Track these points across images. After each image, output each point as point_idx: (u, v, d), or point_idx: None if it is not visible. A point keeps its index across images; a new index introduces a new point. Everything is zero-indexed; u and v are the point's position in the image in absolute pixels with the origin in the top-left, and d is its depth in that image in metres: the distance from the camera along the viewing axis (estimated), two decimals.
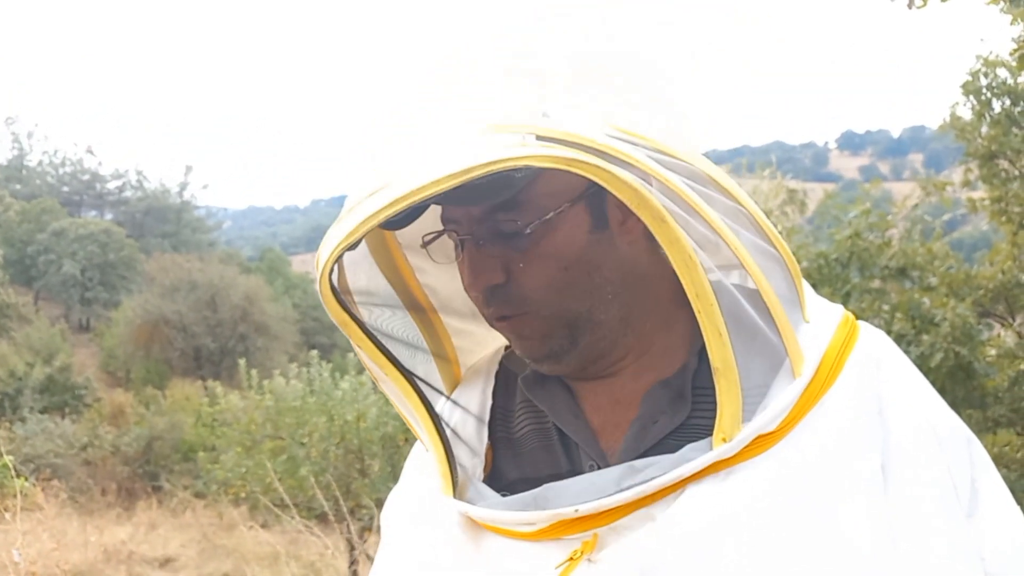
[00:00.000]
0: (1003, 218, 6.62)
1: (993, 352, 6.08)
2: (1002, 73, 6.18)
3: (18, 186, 44.76)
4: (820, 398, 0.78)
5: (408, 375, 0.90)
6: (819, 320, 0.85)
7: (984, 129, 6.54)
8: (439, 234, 0.88)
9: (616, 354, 0.86)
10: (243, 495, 10.15)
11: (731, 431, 0.75)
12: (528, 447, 0.91)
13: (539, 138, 0.74)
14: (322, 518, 7.32)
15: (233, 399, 11.23)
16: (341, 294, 0.87)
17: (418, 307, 1.00)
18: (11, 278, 31.59)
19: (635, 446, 0.83)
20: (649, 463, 0.78)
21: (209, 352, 29.11)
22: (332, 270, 0.82)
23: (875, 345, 0.85)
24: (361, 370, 10.51)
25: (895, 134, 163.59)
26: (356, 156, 0.85)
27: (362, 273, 0.95)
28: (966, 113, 6.72)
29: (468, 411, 0.96)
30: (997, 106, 6.49)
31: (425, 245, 0.90)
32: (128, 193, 47.96)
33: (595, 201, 0.82)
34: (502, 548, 0.83)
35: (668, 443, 0.81)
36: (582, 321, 0.83)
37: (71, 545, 8.98)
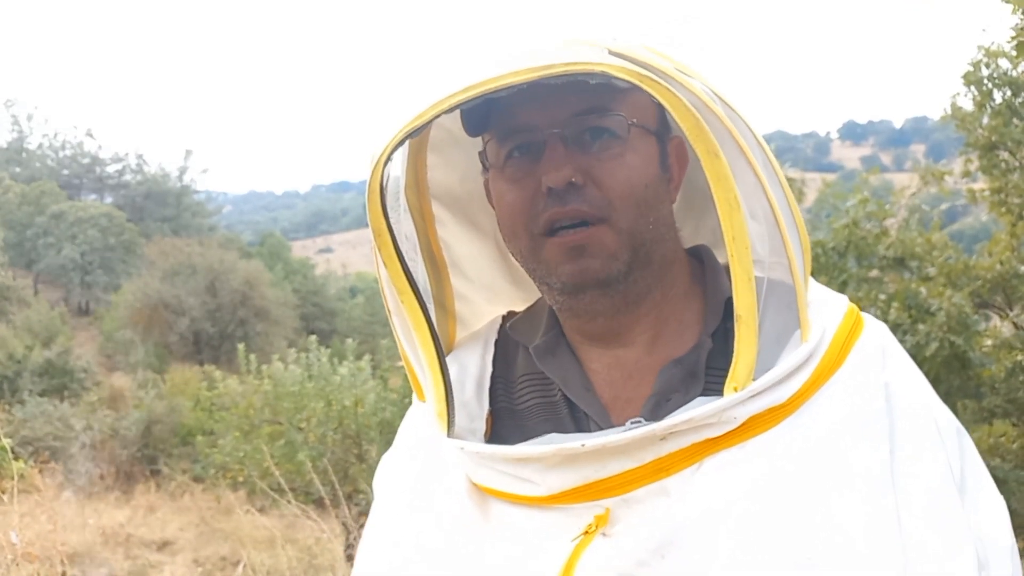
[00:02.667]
0: (1002, 209, 6.61)
1: (989, 342, 6.09)
2: (1003, 64, 6.15)
3: (18, 169, 44.65)
4: (829, 377, 0.80)
5: (422, 302, 0.89)
6: (827, 305, 0.86)
7: (985, 120, 6.52)
8: (515, 142, 0.85)
9: (641, 311, 0.87)
10: (241, 479, 10.18)
11: (744, 381, 0.76)
12: (534, 419, 0.90)
13: (611, 52, 0.77)
14: (319, 503, 7.35)
15: (232, 384, 11.26)
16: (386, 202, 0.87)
17: (432, 258, 1.01)
18: (11, 261, 31.57)
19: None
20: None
21: (208, 336, 29.12)
22: (387, 162, 0.82)
23: (880, 335, 0.86)
24: (359, 356, 10.53)
25: (897, 124, 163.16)
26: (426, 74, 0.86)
27: (400, 207, 0.95)
28: (967, 104, 6.71)
29: (466, 371, 0.95)
30: (998, 97, 6.47)
31: (510, 155, 0.86)
32: (128, 177, 47.84)
33: (662, 143, 0.86)
34: (512, 518, 0.83)
35: None
36: (643, 249, 0.84)
37: (69, 527, 9.01)
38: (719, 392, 0.78)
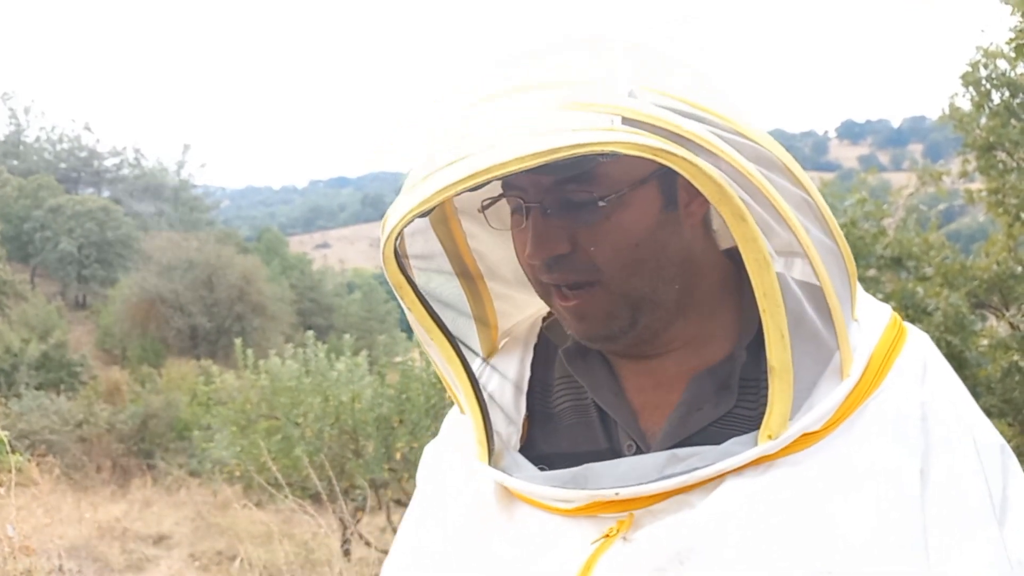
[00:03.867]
0: (1000, 210, 6.61)
1: (985, 342, 6.10)
2: (1002, 64, 6.16)
3: (15, 162, 44.56)
4: (865, 400, 0.79)
5: (452, 340, 0.89)
6: (868, 319, 0.85)
7: (983, 120, 6.52)
8: (497, 199, 0.87)
9: (667, 336, 0.86)
10: (237, 474, 10.19)
11: (778, 430, 0.76)
12: (566, 422, 0.91)
13: (624, 120, 0.72)
14: (315, 498, 7.35)
15: (228, 378, 11.26)
16: (400, 257, 0.86)
17: (467, 273, 1.01)
18: (8, 255, 31.52)
19: (677, 431, 0.83)
20: (692, 452, 0.79)
21: (205, 331, 29.11)
22: (398, 236, 0.81)
23: (921, 349, 0.85)
24: (356, 351, 10.53)
25: (895, 124, 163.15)
26: (420, 127, 0.84)
27: (419, 236, 0.96)
28: (965, 104, 6.71)
29: (506, 378, 0.96)
30: (996, 97, 6.48)
31: (483, 210, 0.88)
32: (126, 171, 47.77)
33: (667, 181, 0.81)
34: (535, 520, 0.84)
35: (711, 431, 0.81)
36: (645, 302, 0.83)
37: (66, 521, 9.02)
38: (751, 407, 0.80)
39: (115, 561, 9.03)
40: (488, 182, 0.72)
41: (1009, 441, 5.81)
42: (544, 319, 1.01)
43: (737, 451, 0.77)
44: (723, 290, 0.88)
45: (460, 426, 0.97)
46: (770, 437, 0.76)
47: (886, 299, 5.23)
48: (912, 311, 5.13)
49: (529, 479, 0.85)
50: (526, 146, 0.70)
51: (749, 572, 0.74)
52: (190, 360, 24.77)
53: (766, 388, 0.77)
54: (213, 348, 27.72)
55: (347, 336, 11.18)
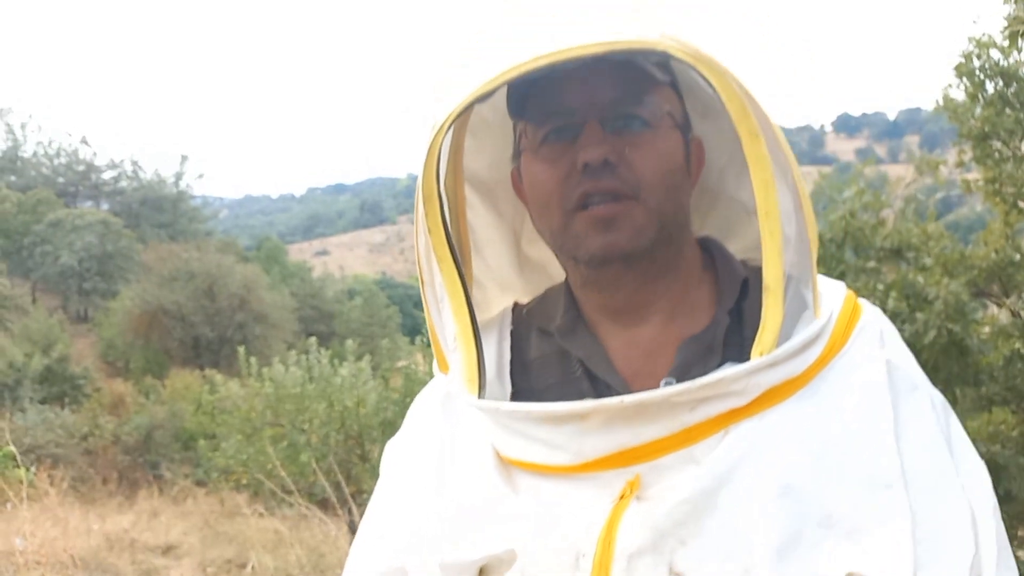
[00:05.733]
0: (997, 199, 6.64)
1: (987, 330, 6.13)
2: (995, 55, 6.18)
3: (13, 177, 44.56)
4: (837, 353, 0.86)
5: (459, 268, 0.93)
6: (828, 291, 0.92)
7: (977, 111, 6.54)
8: (557, 125, 0.89)
9: (659, 288, 0.92)
10: (244, 482, 10.21)
11: (769, 346, 0.82)
12: (555, 397, 0.91)
13: (664, 35, 0.80)
14: (323, 503, 7.38)
15: (233, 387, 11.28)
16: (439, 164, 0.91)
17: (459, 241, 1.03)
18: (8, 269, 31.54)
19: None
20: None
21: (208, 341, 29.12)
22: (449, 128, 0.85)
23: (877, 318, 0.93)
24: (359, 357, 10.56)
25: (891, 116, 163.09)
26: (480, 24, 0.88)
27: (442, 183, 0.97)
28: (959, 95, 6.74)
29: (487, 354, 0.97)
30: (990, 87, 6.50)
31: (547, 137, 0.89)
32: (124, 183, 47.77)
33: (687, 138, 0.91)
34: (542, 487, 0.86)
35: None
36: (666, 231, 0.89)
37: (74, 533, 9.02)
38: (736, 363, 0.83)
39: (125, 572, 9.05)
40: (552, 64, 0.77)
41: (1012, 430, 5.81)
42: (514, 308, 1.04)
43: (731, 367, 0.82)
44: (702, 270, 0.95)
45: (429, 410, 0.99)
46: (762, 353, 0.82)
47: (887, 289, 5.25)
48: (913, 300, 5.17)
49: (530, 404, 0.87)
50: (591, 36, 0.77)
51: (760, 520, 0.78)
52: (193, 370, 24.78)
53: (750, 344, 0.83)
54: (216, 358, 27.74)
55: (349, 342, 11.22)
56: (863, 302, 0.94)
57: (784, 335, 0.83)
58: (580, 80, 0.85)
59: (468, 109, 0.86)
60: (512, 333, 1.01)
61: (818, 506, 0.79)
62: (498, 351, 0.99)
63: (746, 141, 0.81)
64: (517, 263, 1.10)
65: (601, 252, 0.88)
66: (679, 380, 0.86)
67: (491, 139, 1.03)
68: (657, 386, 0.87)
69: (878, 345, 0.88)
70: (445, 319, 0.94)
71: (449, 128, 0.86)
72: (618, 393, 0.87)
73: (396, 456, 1.02)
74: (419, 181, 0.90)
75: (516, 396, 0.95)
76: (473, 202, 1.05)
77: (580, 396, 0.90)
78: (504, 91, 0.89)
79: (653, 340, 0.92)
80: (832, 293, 0.92)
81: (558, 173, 0.88)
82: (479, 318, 1.03)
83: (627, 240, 0.87)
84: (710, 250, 0.98)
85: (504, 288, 1.09)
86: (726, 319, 0.91)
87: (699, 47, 0.80)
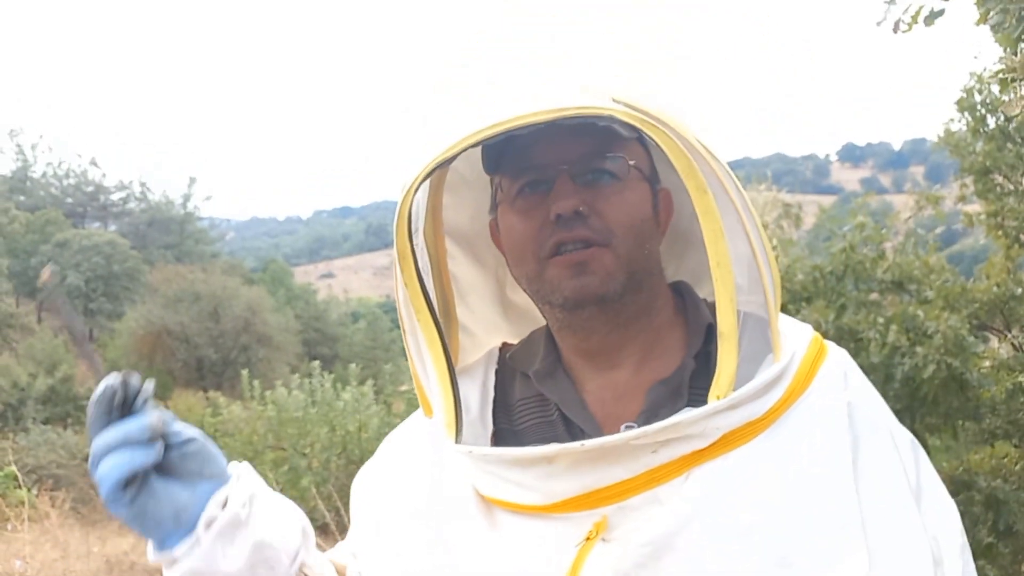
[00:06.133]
0: (999, 232, 6.67)
1: (987, 364, 6.12)
2: (995, 89, 6.23)
3: (22, 197, 44.82)
4: (799, 396, 0.89)
5: (436, 320, 0.97)
6: (793, 334, 0.95)
7: (979, 145, 6.59)
8: (528, 178, 0.94)
9: (631, 333, 0.96)
10: None
11: (725, 390, 0.85)
12: (532, 437, 0.97)
13: (615, 100, 0.86)
14: (323, 529, 7.36)
15: (235, 409, 11.29)
16: (411, 223, 0.96)
17: (443, 290, 1.08)
18: (14, 289, 31.68)
19: None
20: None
21: (211, 363, 29.15)
22: (416, 191, 0.91)
23: (842, 360, 0.96)
24: (362, 381, 10.58)
25: (896, 146, 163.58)
26: (438, 106, 0.94)
27: (419, 239, 1.03)
28: (961, 128, 6.77)
29: (471, 394, 1.02)
30: (991, 122, 6.55)
31: (519, 192, 0.95)
32: (132, 204, 48.06)
33: (654, 189, 0.97)
34: (517, 526, 0.90)
35: None
36: (636, 276, 0.93)
37: (73, 555, 8.99)
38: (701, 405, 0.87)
39: None
40: (510, 131, 0.84)
41: (1015, 464, 5.79)
42: (501, 349, 1.09)
43: (688, 412, 0.85)
44: (674, 314, 0.99)
45: (409, 441, 1.04)
46: (718, 397, 0.85)
47: (887, 322, 5.27)
48: (913, 334, 5.18)
49: (500, 449, 0.91)
50: (542, 104, 0.83)
51: (719, 562, 0.82)
52: (197, 392, 24.79)
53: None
54: (219, 380, 27.75)
55: (353, 366, 11.24)
56: (829, 344, 0.98)
57: (743, 378, 0.87)
58: (550, 138, 0.90)
59: (443, 166, 0.91)
60: (497, 373, 1.05)
61: (776, 547, 0.82)
62: (482, 392, 1.03)
63: (694, 195, 0.86)
64: (502, 308, 1.15)
65: (574, 295, 0.92)
66: (647, 421, 0.89)
67: (471, 194, 1.09)
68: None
69: (841, 387, 0.92)
70: (427, 365, 0.99)
71: (416, 191, 0.91)
72: (590, 435, 0.91)
73: (372, 489, 1.05)
74: (394, 240, 0.95)
75: (497, 435, 1.00)
76: (455, 253, 1.10)
77: (555, 438, 0.94)
78: (479, 151, 0.96)
79: (626, 383, 0.96)
80: (797, 335, 0.95)
81: (533, 224, 0.93)
82: (466, 360, 1.09)
83: (599, 283, 0.91)
84: (682, 295, 1.02)
85: (490, 332, 1.14)
86: (692, 363, 0.95)
87: (649, 108, 0.86)
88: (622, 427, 0.91)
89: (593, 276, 0.91)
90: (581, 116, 0.83)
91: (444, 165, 0.89)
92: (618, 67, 0.93)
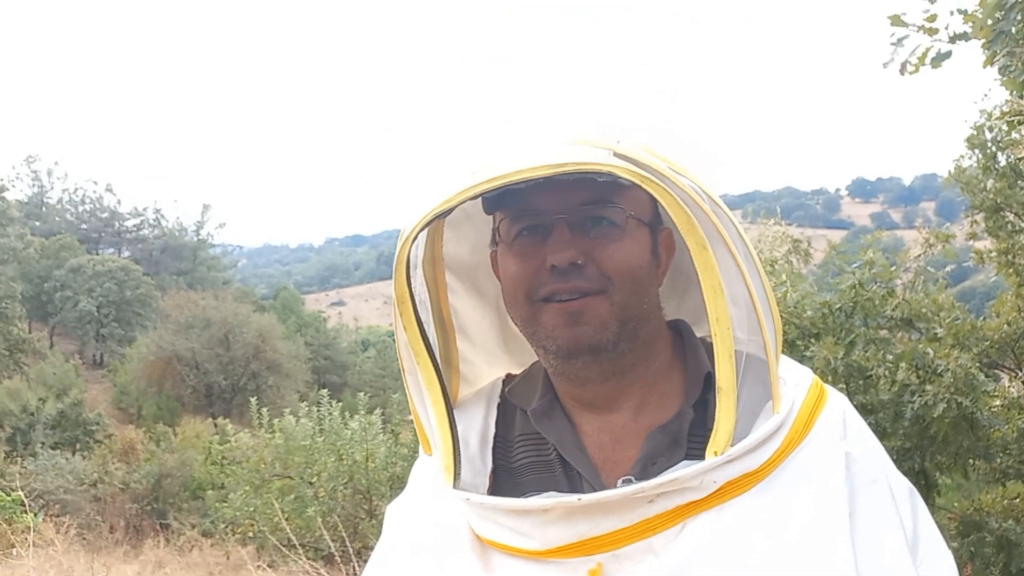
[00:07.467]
0: (1010, 270, 6.64)
1: (998, 403, 6.07)
2: (1005, 126, 6.24)
3: (38, 223, 45.28)
4: (797, 446, 0.89)
5: (436, 364, 0.99)
6: (793, 380, 0.96)
7: (990, 182, 6.59)
8: (526, 222, 0.96)
9: (627, 381, 0.96)
10: (251, 534, 10.13)
11: (723, 446, 0.86)
12: (528, 476, 0.98)
13: (615, 155, 0.87)
14: (328, 559, 7.31)
15: (243, 437, 11.26)
16: (410, 270, 0.98)
17: (442, 323, 1.10)
18: (28, 313, 31.90)
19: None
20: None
21: (221, 389, 29.21)
22: (415, 239, 0.93)
23: (840, 408, 0.96)
24: (371, 410, 10.55)
25: (907, 181, 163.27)
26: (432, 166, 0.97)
27: (418, 278, 1.05)
28: (972, 165, 6.78)
29: (471, 430, 1.03)
30: (1002, 159, 6.56)
31: (515, 238, 0.97)
32: (146, 231, 48.49)
33: (654, 235, 0.97)
34: (512, 570, 0.91)
35: None
36: (631, 324, 0.94)
37: None
38: (700, 457, 0.87)
39: None
40: (507, 186, 0.85)
41: None
42: (504, 381, 1.10)
43: (685, 467, 0.86)
44: (673, 357, 1.00)
45: (425, 478, 1.04)
46: (716, 453, 0.86)
47: (896, 360, 5.23)
48: (923, 372, 5.15)
49: (496, 499, 0.92)
50: (541, 159, 0.85)
51: None
52: (205, 418, 24.80)
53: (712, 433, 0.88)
54: (228, 406, 27.78)
55: (361, 395, 11.22)
56: (829, 389, 0.98)
57: (742, 429, 0.88)
58: (550, 185, 0.91)
59: (441, 217, 0.93)
60: (499, 407, 1.07)
61: None
62: (483, 427, 1.04)
63: (694, 251, 0.87)
64: (502, 340, 1.16)
65: (567, 344, 0.93)
66: (644, 469, 0.91)
67: (472, 226, 1.10)
68: (626, 472, 0.92)
69: (839, 437, 0.92)
70: (427, 406, 1.00)
71: (414, 240, 0.93)
72: (588, 479, 0.92)
73: (395, 524, 1.06)
74: (393, 285, 0.97)
75: (496, 473, 1.01)
76: (455, 287, 1.12)
77: (552, 478, 0.96)
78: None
79: (624, 428, 0.97)
80: (798, 381, 0.96)
81: (528, 268, 0.94)
82: (468, 391, 1.10)
83: (592, 333, 0.92)
84: (681, 334, 1.03)
85: (493, 362, 1.15)
86: (691, 412, 0.95)
87: (650, 162, 0.87)
88: (619, 481, 0.91)
89: (587, 326, 0.92)
90: (580, 172, 0.84)
91: (443, 216, 0.91)
92: (621, 117, 0.95)
